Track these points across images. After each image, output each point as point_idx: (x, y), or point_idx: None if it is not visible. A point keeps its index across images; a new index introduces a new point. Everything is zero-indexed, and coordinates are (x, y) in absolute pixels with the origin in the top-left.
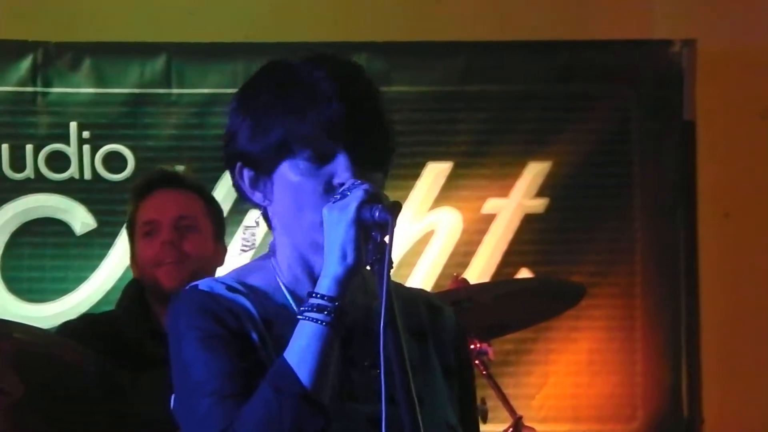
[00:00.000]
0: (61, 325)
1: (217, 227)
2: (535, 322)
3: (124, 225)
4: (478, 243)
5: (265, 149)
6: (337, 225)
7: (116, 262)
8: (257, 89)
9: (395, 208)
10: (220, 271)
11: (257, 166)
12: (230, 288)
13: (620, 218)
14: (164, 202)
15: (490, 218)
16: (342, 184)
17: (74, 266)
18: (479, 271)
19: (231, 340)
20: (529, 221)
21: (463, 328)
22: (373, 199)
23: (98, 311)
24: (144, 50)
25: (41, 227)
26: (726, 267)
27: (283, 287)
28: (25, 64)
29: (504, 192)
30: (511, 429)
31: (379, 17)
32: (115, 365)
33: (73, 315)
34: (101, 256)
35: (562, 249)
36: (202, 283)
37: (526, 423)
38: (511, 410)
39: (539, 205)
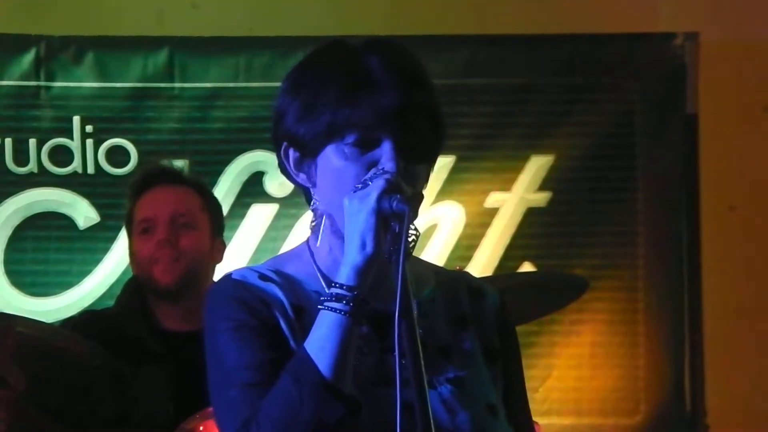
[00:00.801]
0: (63, 321)
1: (215, 224)
2: (538, 316)
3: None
4: (480, 237)
5: (312, 131)
6: (357, 214)
7: (120, 256)
8: (310, 70)
9: (414, 198)
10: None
11: (303, 148)
12: (263, 276)
13: (623, 212)
14: (161, 199)
15: (492, 212)
16: (386, 173)
17: (78, 260)
18: (482, 264)
19: (261, 330)
20: (531, 215)
21: (506, 307)
22: (393, 189)
23: (100, 307)
24: (147, 44)
25: (44, 221)
26: (729, 260)
27: (318, 274)
28: (28, 57)
29: (507, 186)
30: None
31: (380, 11)
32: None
33: (76, 309)
34: (105, 250)
35: (565, 242)
36: (236, 272)
37: None
38: None
39: (542, 198)
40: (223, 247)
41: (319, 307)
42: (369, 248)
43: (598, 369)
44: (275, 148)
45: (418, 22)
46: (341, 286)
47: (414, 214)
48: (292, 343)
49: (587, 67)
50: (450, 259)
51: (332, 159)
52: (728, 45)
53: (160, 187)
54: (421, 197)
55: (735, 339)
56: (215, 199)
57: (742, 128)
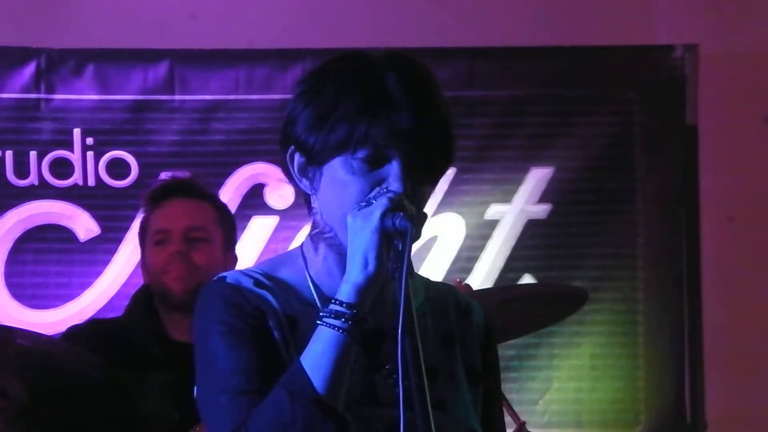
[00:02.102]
0: (69, 330)
1: (228, 237)
2: (538, 328)
3: (128, 231)
4: (481, 248)
5: (323, 142)
6: (360, 232)
7: (120, 269)
8: (327, 79)
9: (417, 217)
10: None
11: (310, 155)
12: (257, 283)
13: (623, 223)
14: (176, 212)
15: (492, 224)
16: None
17: (78, 272)
18: (482, 276)
19: (254, 337)
20: (531, 227)
21: (492, 325)
22: (396, 207)
23: (105, 317)
24: (147, 56)
25: (45, 234)
26: (729, 271)
27: (310, 282)
28: (29, 70)
29: (507, 197)
30: None
31: (380, 23)
32: (121, 369)
33: (77, 321)
34: (105, 263)
35: (565, 254)
36: (230, 276)
37: (530, 428)
38: (515, 416)
39: (542, 210)
40: (236, 259)
41: (317, 322)
42: (371, 267)
43: (598, 381)
44: (281, 149)
45: (418, 34)
46: (341, 303)
47: (417, 233)
48: (283, 352)
49: (587, 79)
50: (450, 270)
51: (339, 171)
52: (727, 56)
53: (176, 200)
54: (425, 216)
55: (735, 350)
56: (229, 213)
57: (742, 139)
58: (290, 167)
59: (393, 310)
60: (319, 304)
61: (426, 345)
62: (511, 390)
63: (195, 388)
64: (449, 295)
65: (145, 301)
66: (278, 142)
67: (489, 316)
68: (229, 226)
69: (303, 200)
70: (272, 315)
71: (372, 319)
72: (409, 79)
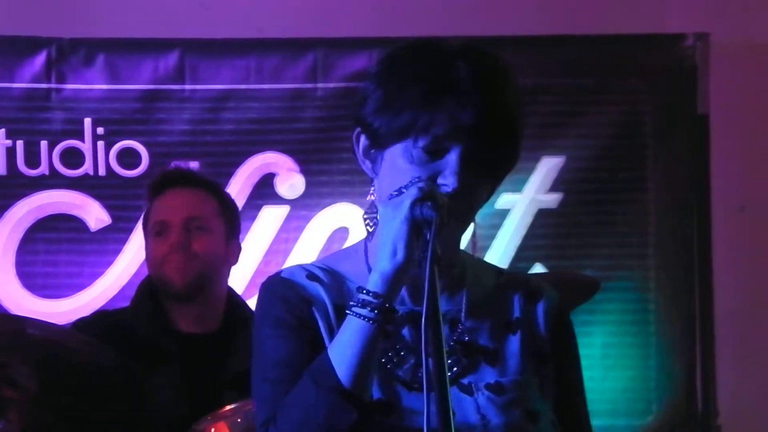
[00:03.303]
0: (76, 322)
1: (230, 226)
2: None
3: (140, 220)
4: (491, 238)
5: (387, 126)
6: (391, 222)
7: (131, 258)
8: (400, 64)
9: (444, 205)
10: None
11: (374, 138)
12: (311, 275)
13: (634, 212)
14: (175, 202)
15: (503, 213)
16: (444, 184)
17: (89, 262)
18: None
19: (299, 329)
20: (542, 216)
21: (564, 310)
22: (426, 197)
23: (113, 308)
24: (157, 46)
25: (56, 223)
26: (740, 260)
27: (368, 272)
28: (39, 60)
29: (517, 187)
30: None
31: (391, 13)
32: (131, 360)
33: (87, 311)
34: (116, 252)
35: (576, 244)
36: (286, 270)
37: None
38: None
39: (553, 200)
40: (239, 249)
41: (347, 312)
42: (400, 256)
43: (610, 370)
44: (352, 128)
45: (428, 23)
46: (368, 293)
47: (443, 221)
48: (327, 343)
49: (597, 68)
50: None
51: (399, 158)
52: (738, 45)
53: (176, 190)
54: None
55: (746, 339)
56: (231, 202)
57: (753, 129)
58: (356, 148)
59: (447, 293)
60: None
61: (483, 330)
62: None
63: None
64: (521, 282)
65: (150, 292)
66: (351, 120)
67: (562, 300)
68: (231, 215)
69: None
70: (319, 306)
71: (414, 304)
72: (479, 72)
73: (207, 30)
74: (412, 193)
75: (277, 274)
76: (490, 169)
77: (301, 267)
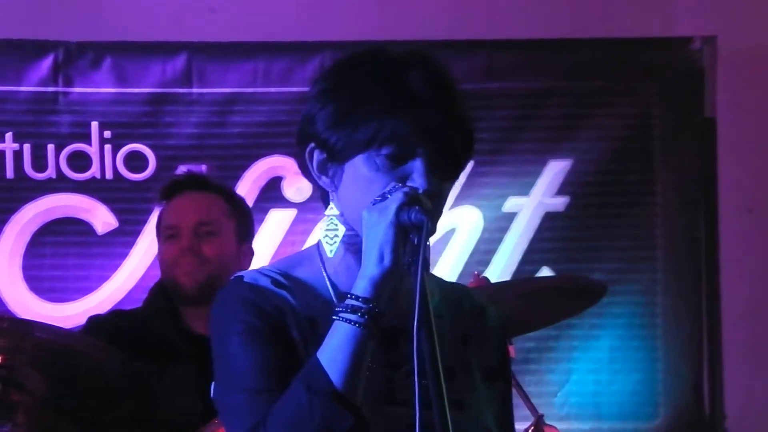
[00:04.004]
0: (90, 319)
1: (242, 230)
2: (556, 320)
3: (146, 223)
4: (498, 241)
5: (347, 139)
6: (376, 226)
7: (138, 262)
8: (347, 78)
9: (433, 211)
10: None
11: (331, 153)
12: (276, 282)
13: (641, 215)
14: (186, 206)
15: (510, 216)
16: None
17: (96, 266)
18: (500, 269)
19: (271, 336)
20: (549, 219)
21: (505, 325)
22: (412, 201)
23: (125, 308)
24: (165, 49)
25: (63, 227)
26: (748, 263)
27: (327, 281)
28: (46, 63)
29: (525, 190)
30: (532, 427)
31: (399, 16)
32: (141, 360)
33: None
34: (123, 256)
35: (583, 247)
36: (248, 275)
37: (548, 421)
38: (533, 408)
39: (560, 203)
40: (252, 252)
41: (333, 317)
42: (387, 261)
43: (617, 373)
44: (299, 147)
45: (436, 26)
46: (357, 298)
47: (433, 227)
48: (302, 352)
49: (605, 71)
50: (468, 263)
51: (362, 168)
52: (746, 48)
53: (187, 194)
54: (440, 211)
55: (754, 342)
56: (244, 205)
57: (760, 131)
58: (309, 164)
59: (409, 307)
60: (336, 302)
61: (444, 345)
62: (529, 382)
63: (212, 388)
64: (464, 296)
65: (164, 294)
66: (295, 139)
67: (503, 317)
68: (243, 219)
69: (320, 198)
70: (291, 314)
71: (389, 317)
72: (432, 77)
73: (214, 33)
74: (397, 198)
75: (240, 279)
76: (452, 169)
77: (261, 272)
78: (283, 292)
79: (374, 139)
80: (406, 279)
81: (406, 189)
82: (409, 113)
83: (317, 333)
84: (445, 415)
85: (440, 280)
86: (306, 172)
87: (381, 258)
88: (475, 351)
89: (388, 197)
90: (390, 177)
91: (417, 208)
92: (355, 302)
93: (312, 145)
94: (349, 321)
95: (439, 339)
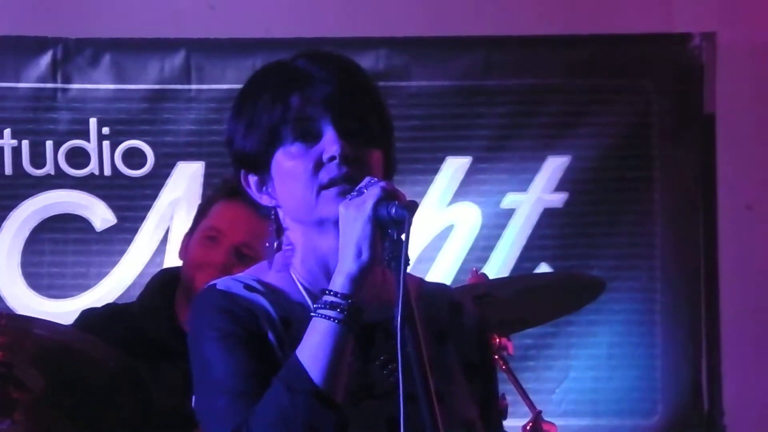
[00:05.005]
0: (83, 313)
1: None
2: (554, 317)
3: (144, 219)
4: (497, 238)
5: (257, 141)
6: (353, 222)
7: (136, 258)
8: (248, 90)
9: (412, 205)
10: None
11: (255, 165)
12: (248, 287)
13: (640, 212)
14: (238, 219)
15: (509, 213)
16: (332, 158)
17: (95, 262)
18: (498, 265)
19: (248, 340)
20: (548, 216)
21: (485, 322)
22: (389, 196)
23: (123, 302)
24: (163, 46)
25: (61, 223)
26: (747, 260)
27: (299, 285)
28: (45, 60)
29: (523, 186)
30: (530, 424)
31: (399, 12)
32: (135, 357)
33: None
34: (121, 252)
35: (582, 243)
36: (220, 283)
37: (546, 417)
38: (531, 405)
39: (558, 199)
40: None
41: (311, 314)
42: (365, 256)
43: (616, 370)
44: (236, 178)
45: (435, 23)
46: (335, 294)
47: (411, 220)
48: (279, 354)
49: (604, 68)
50: (466, 260)
51: (283, 163)
52: (745, 45)
53: (245, 205)
54: (417, 204)
55: (752, 339)
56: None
57: (759, 128)
58: (248, 191)
59: (385, 302)
60: (310, 304)
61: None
62: (528, 379)
63: (193, 399)
64: (442, 294)
65: (161, 288)
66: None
67: (482, 314)
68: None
69: (273, 229)
70: (265, 317)
71: (368, 313)
72: (321, 58)
73: (213, 30)
74: (374, 193)
75: (213, 287)
76: (366, 135)
77: (234, 279)
78: (256, 296)
79: (275, 128)
80: (379, 272)
81: (382, 183)
82: (298, 92)
83: (292, 334)
84: (433, 409)
85: (418, 278)
86: (250, 199)
87: (359, 253)
88: (452, 347)
89: (364, 192)
90: (308, 158)
91: (396, 202)
92: (333, 298)
93: (241, 171)
94: (328, 317)
95: (411, 336)
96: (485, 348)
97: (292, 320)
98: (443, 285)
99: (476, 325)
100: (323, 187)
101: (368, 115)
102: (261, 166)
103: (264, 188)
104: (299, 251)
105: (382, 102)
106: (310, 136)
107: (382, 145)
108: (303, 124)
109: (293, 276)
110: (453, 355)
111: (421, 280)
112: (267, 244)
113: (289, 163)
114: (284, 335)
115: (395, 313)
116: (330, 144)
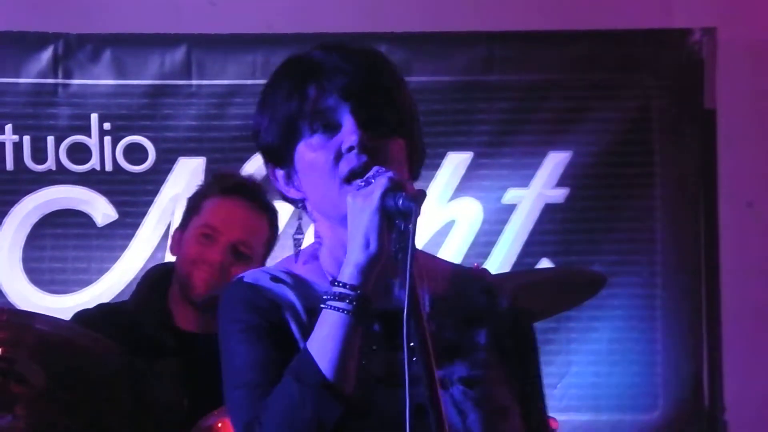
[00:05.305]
0: (76, 315)
1: (268, 255)
2: (555, 312)
3: (145, 215)
4: (498, 233)
5: (278, 133)
6: (360, 213)
7: (138, 253)
8: (270, 83)
9: (419, 196)
10: None
11: (279, 159)
12: (275, 279)
13: (641, 208)
14: (234, 216)
15: (510, 208)
16: (351, 148)
17: (96, 257)
18: (500, 261)
19: (269, 332)
20: (549, 211)
21: (522, 307)
22: (397, 186)
23: (112, 302)
24: (164, 41)
25: (63, 219)
26: (747, 256)
27: (328, 275)
28: (46, 55)
29: (524, 182)
30: None
31: (399, 7)
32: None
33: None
34: (123, 247)
35: (583, 239)
36: (248, 275)
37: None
38: None
39: (560, 194)
40: None
41: (321, 306)
42: (373, 247)
43: (616, 365)
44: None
45: (437, 18)
46: (344, 285)
47: (419, 211)
48: (301, 344)
49: (604, 63)
50: (467, 255)
51: (305, 155)
52: (745, 40)
53: (240, 201)
54: (424, 194)
55: (753, 334)
56: (277, 230)
57: (760, 124)
58: (277, 186)
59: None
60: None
61: (447, 326)
62: None
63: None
64: (477, 278)
65: (154, 285)
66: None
67: (517, 298)
68: (273, 245)
69: (300, 222)
70: (289, 308)
71: (392, 301)
72: (339, 50)
73: (214, 25)
74: (381, 184)
75: (240, 279)
76: (386, 124)
77: (263, 271)
78: (282, 288)
79: (294, 121)
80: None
81: (390, 174)
82: (315, 84)
83: (315, 324)
84: (436, 395)
85: (453, 264)
86: (279, 193)
87: (367, 244)
88: (487, 331)
89: (372, 182)
90: (328, 150)
91: (403, 194)
92: (342, 289)
93: (268, 165)
94: (337, 308)
95: (444, 321)
96: (521, 333)
97: (317, 310)
98: (480, 269)
99: (511, 310)
100: (345, 180)
101: (389, 103)
102: (285, 159)
103: (290, 182)
104: (327, 244)
105: (405, 90)
106: (329, 127)
107: (405, 133)
108: (321, 115)
109: (322, 267)
110: (487, 339)
111: (455, 266)
112: (295, 236)
113: (310, 156)
114: (309, 326)
115: (390, 310)
116: (349, 134)
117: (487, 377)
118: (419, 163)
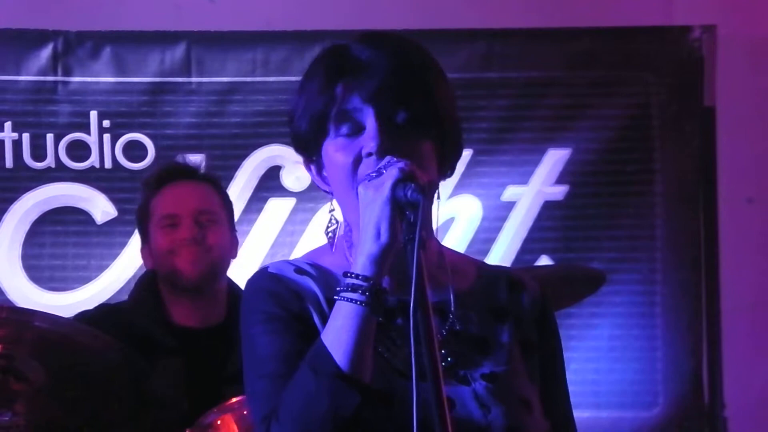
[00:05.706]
0: (77, 315)
1: (231, 218)
2: (555, 309)
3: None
4: (497, 230)
5: (307, 127)
6: (372, 203)
7: (137, 251)
8: (309, 71)
9: (428, 187)
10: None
11: (308, 150)
12: (299, 270)
13: (640, 205)
14: (183, 195)
15: (509, 205)
16: (370, 154)
17: (95, 255)
18: (499, 258)
19: (291, 323)
20: (549, 208)
21: (547, 300)
22: (408, 178)
23: (115, 301)
24: (164, 39)
25: (62, 216)
26: (747, 252)
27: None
28: (46, 53)
29: (524, 179)
30: None
31: (399, 4)
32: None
33: (94, 303)
34: (122, 245)
35: (582, 236)
36: (272, 266)
37: None
38: None
39: (559, 192)
40: (237, 242)
41: (335, 297)
42: (384, 238)
43: (616, 362)
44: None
45: (436, 15)
46: (357, 276)
47: (429, 203)
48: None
49: (604, 60)
50: (467, 252)
51: (329, 153)
52: (745, 37)
53: (180, 183)
54: (436, 185)
55: (753, 330)
56: (228, 196)
57: (760, 120)
58: (311, 175)
59: (442, 283)
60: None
61: (472, 320)
62: None
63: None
64: (502, 272)
65: (149, 286)
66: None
67: (544, 291)
68: (230, 208)
69: (332, 211)
70: (311, 299)
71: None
72: (375, 42)
73: (214, 22)
74: (392, 174)
75: (264, 270)
76: (412, 126)
77: (287, 262)
78: (305, 279)
79: (324, 116)
80: (435, 254)
81: (401, 164)
82: (345, 80)
83: None
84: (440, 390)
85: (478, 261)
86: (316, 184)
87: (378, 235)
88: (511, 325)
89: (383, 172)
90: (350, 151)
91: (413, 185)
92: (355, 281)
93: (303, 158)
94: (351, 300)
95: (469, 315)
96: (545, 326)
97: None
98: (503, 267)
99: (535, 303)
100: None
101: (420, 105)
102: (313, 151)
103: (321, 174)
104: (351, 234)
105: (442, 88)
106: (353, 128)
107: (434, 135)
108: (346, 115)
109: (348, 258)
110: (511, 333)
111: (480, 263)
112: (329, 224)
113: (334, 154)
114: (329, 316)
115: (410, 300)
116: (369, 139)
117: (510, 372)
118: (452, 161)
